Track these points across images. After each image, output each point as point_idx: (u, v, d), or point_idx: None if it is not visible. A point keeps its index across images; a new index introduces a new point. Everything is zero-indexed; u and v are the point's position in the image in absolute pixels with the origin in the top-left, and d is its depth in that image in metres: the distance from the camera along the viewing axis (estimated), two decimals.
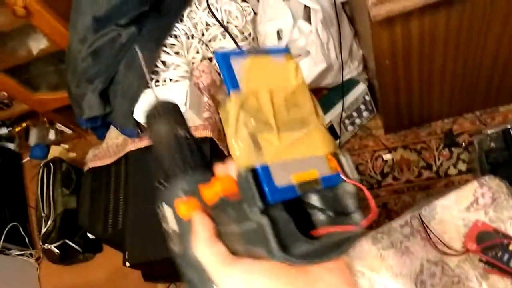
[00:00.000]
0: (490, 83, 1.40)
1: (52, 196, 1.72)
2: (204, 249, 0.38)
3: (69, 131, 2.21)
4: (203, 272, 0.38)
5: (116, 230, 1.33)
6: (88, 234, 1.59)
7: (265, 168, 0.34)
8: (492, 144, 1.30)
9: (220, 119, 1.34)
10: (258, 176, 0.34)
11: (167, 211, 0.43)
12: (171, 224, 0.43)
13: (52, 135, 2.22)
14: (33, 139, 2.23)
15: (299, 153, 0.37)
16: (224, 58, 0.37)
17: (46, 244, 1.69)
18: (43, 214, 1.69)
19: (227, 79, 0.37)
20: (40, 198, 1.74)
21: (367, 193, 0.38)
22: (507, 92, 1.46)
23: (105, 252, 1.91)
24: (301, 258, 0.33)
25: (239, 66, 0.38)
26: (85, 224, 1.44)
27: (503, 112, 1.53)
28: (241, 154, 0.35)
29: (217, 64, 0.39)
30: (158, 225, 1.34)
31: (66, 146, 2.21)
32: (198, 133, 1.25)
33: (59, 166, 1.81)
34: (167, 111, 0.47)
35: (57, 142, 2.22)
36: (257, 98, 0.37)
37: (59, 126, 2.20)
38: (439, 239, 0.95)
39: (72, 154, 2.14)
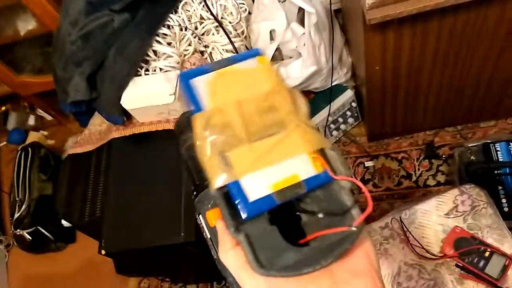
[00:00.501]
0: (473, 99, 1.43)
1: (28, 181, 1.68)
2: (226, 253, 0.37)
3: (49, 118, 2.17)
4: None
5: (93, 217, 1.31)
6: (63, 222, 1.55)
7: (236, 185, 0.33)
8: (472, 157, 1.34)
9: None
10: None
11: (202, 221, 0.43)
12: (206, 232, 0.43)
13: (31, 121, 2.17)
14: (11, 123, 2.18)
15: (277, 158, 0.35)
16: (184, 79, 0.36)
17: (18, 230, 1.64)
18: (17, 199, 1.65)
19: (189, 102, 0.36)
20: (15, 182, 1.69)
21: (361, 186, 0.38)
22: (488, 109, 1.50)
23: (78, 243, 1.87)
24: (286, 270, 0.32)
25: (203, 84, 0.36)
26: (61, 211, 1.41)
27: (483, 128, 1.57)
28: (211, 175, 0.34)
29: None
30: (137, 215, 1.32)
31: (45, 133, 2.16)
32: None
33: (37, 151, 1.77)
34: None
35: (36, 128, 2.17)
36: (223, 114, 0.36)
37: (40, 112, 2.16)
38: (418, 242, 0.96)
39: (51, 141, 2.10)
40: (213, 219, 0.39)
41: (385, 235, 1.00)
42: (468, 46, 1.16)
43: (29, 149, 1.76)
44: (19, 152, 1.78)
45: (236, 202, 0.33)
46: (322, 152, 0.37)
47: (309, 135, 0.37)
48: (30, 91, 1.87)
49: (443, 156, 1.56)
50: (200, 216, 0.43)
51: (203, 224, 0.43)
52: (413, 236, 0.97)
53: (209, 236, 0.42)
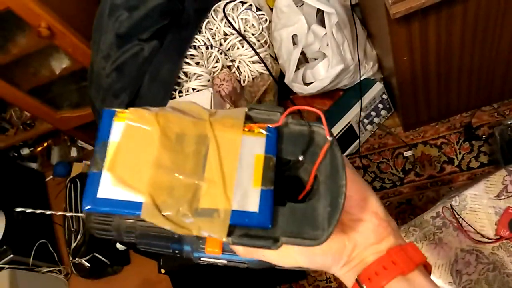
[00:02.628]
0: (506, 75, 1.41)
1: (80, 210, 1.76)
2: (258, 256, 0.39)
3: (90, 148, 2.25)
4: None
5: None
6: (118, 246, 1.61)
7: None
8: None
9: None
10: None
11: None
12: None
13: (74, 152, 2.26)
14: (55, 157, 2.28)
15: (234, 164, 0.34)
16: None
17: (76, 258, 1.72)
18: (72, 229, 1.73)
19: (123, 215, 0.34)
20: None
21: (302, 107, 0.37)
22: None
23: (133, 264, 1.94)
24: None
25: (111, 192, 0.33)
26: None
27: None
28: (210, 227, 0.33)
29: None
30: None
31: (88, 162, 2.25)
32: None
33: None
34: None
35: (79, 159, 2.26)
36: (157, 186, 0.33)
37: (81, 143, 2.25)
38: (472, 227, 0.96)
39: None
40: (216, 248, 0.38)
41: (437, 224, 1.01)
42: (494, 25, 1.15)
43: (77, 180, 1.84)
44: (68, 184, 1.86)
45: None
46: (249, 119, 0.36)
47: (225, 120, 0.35)
48: (70, 125, 1.96)
49: (483, 136, 1.54)
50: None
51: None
52: (466, 222, 0.97)
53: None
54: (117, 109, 0.35)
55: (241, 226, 0.32)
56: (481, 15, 1.11)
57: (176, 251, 0.43)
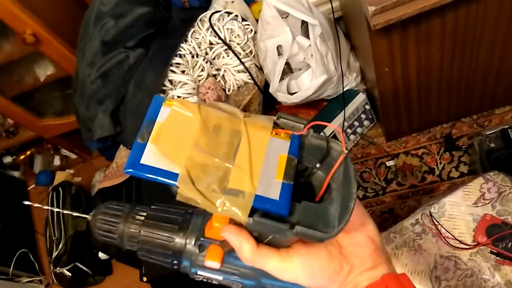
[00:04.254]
0: (485, 88, 1.45)
1: (62, 219, 1.74)
2: (261, 263, 0.39)
3: (73, 156, 2.24)
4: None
5: None
6: (100, 255, 1.60)
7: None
8: (492, 144, 1.35)
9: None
10: None
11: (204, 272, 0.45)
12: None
13: (57, 161, 2.24)
14: (38, 166, 2.26)
15: (260, 157, 0.37)
16: (139, 168, 0.36)
17: (57, 268, 1.69)
18: (54, 238, 1.70)
19: (163, 182, 0.36)
20: (50, 222, 1.75)
21: (321, 123, 0.41)
22: (501, 95, 1.51)
23: (115, 274, 1.91)
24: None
25: (153, 156, 0.36)
26: (98, 244, 1.46)
27: (499, 114, 1.58)
28: (240, 212, 0.35)
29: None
30: None
31: (71, 171, 2.23)
32: None
33: (68, 190, 1.83)
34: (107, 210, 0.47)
35: (62, 168, 2.24)
36: (194, 164, 0.36)
37: (64, 151, 2.23)
38: (450, 234, 0.98)
39: (78, 179, 2.17)
40: (216, 259, 0.42)
41: (417, 231, 1.02)
42: (473, 38, 1.19)
43: (60, 188, 1.83)
44: (51, 193, 1.84)
45: None
46: (276, 125, 0.40)
47: (257, 122, 0.39)
48: (53, 133, 1.94)
49: (463, 146, 1.58)
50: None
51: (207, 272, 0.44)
52: (444, 229, 0.99)
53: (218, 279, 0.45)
54: (166, 98, 0.39)
55: (262, 210, 0.36)
56: (459, 29, 1.15)
57: (175, 264, 0.45)
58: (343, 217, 0.36)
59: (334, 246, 0.40)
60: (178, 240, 0.44)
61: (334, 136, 1.62)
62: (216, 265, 0.42)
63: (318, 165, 0.39)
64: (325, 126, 0.42)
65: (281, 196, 0.36)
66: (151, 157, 0.36)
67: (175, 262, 0.45)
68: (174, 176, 0.35)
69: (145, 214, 0.46)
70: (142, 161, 0.36)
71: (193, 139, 0.37)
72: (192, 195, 0.35)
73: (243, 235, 0.39)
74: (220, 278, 0.45)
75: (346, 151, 0.39)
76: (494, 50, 1.25)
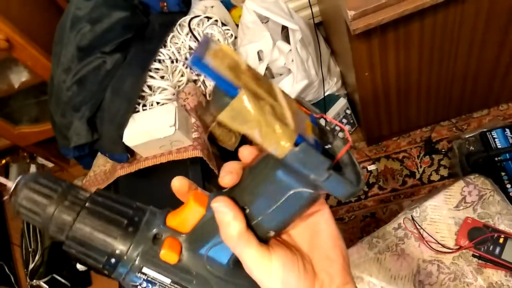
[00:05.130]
0: (463, 92, 1.47)
1: (38, 230, 1.69)
2: (243, 247, 0.35)
3: (50, 165, 2.18)
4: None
5: None
6: (78, 267, 1.55)
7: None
8: (471, 148, 1.36)
9: (207, 139, 1.36)
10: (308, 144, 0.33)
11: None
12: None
13: (33, 170, 2.18)
14: (13, 175, 2.19)
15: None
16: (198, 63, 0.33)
17: (34, 280, 1.64)
18: (30, 249, 1.65)
19: (221, 83, 0.34)
20: (26, 233, 1.70)
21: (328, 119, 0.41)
22: (479, 99, 1.53)
23: (94, 286, 1.86)
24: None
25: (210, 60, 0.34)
26: (75, 256, 1.41)
27: (477, 117, 1.61)
28: (284, 131, 0.33)
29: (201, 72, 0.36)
30: None
31: None
32: (188, 154, 1.26)
33: None
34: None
35: None
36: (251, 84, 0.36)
37: (40, 160, 2.17)
38: (433, 238, 0.98)
39: None
40: (174, 254, 0.38)
41: (399, 235, 1.02)
42: (450, 43, 1.20)
43: None
44: None
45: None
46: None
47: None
48: (29, 141, 1.89)
49: (443, 150, 1.59)
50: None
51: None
52: (427, 233, 0.99)
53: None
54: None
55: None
56: (437, 33, 1.16)
57: (106, 268, 0.38)
58: (360, 179, 0.34)
59: (307, 262, 0.39)
60: (124, 235, 0.37)
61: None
62: (174, 258, 0.37)
63: (327, 147, 0.38)
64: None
65: (315, 145, 0.34)
66: (213, 63, 0.33)
67: (108, 266, 0.37)
68: (235, 88, 0.33)
69: (85, 199, 0.37)
70: (205, 62, 0.32)
71: (242, 72, 0.35)
72: (253, 107, 0.33)
73: (236, 209, 0.35)
74: (167, 281, 0.39)
75: (350, 140, 0.38)
76: (471, 54, 1.27)
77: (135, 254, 0.37)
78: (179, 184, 0.40)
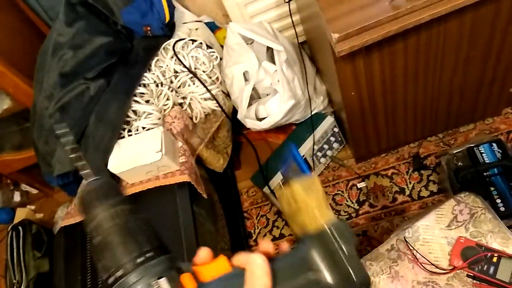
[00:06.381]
0: (449, 107, 1.48)
1: (23, 260, 1.63)
2: None
3: (34, 191, 2.13)
4: None
5: None
6: None
7: None
8: (459, 163, 1.36)
9: (194, 162, 1.34)
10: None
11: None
12: None
13: (17, 197, 2.13)
14: None
15: None
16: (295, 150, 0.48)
17: None
18: (14, 281, 1.59)
19: (303, 165, 0.47)
20: (10, 264, 1.64)
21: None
22: (465, 113, 1.54)
23: None
24: None
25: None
26: (61, 287, 1.37)
27: (464, 132, 1.61)
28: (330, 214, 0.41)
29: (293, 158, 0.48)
30: None
31: (33, 207, 2.12)
32: (176, 179, 1.24)
33: (28, 228, 1.73)
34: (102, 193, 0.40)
35: (22, 204, 2.13)
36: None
37: (25, 186, 2.12)
38: (426, 259, 0.96)
39: (39, 215, 2.06)
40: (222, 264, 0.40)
41: (392, 257, 1.01)
42: (435, 61, 1.21)
43: (20, 227, 1.72)
44: (10, 232, 1.73)
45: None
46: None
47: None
48: (12, 168, 1.85)
49: (431, 165, 1.59)
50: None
51: None
52: (420, 254, 0.98)
53: None
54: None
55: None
56: (421, 53, 1.16)
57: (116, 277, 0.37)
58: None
59: None
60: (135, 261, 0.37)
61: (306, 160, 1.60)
62: (192, 285, 0.37)
63: None
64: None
65: None
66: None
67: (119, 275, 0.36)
68: (309, 171, 0.47)
69: (125, 215, 0.39)
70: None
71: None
72: (321, 187, 0.44)
73: (269, 268, 0.37)
74: None
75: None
76: (456, 71, 1.28)
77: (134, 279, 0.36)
78: (205, 255, 0.41)
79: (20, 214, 1.96)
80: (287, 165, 0.48)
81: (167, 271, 0.37)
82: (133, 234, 0.38)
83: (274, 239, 1.69)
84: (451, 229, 0.99)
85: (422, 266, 0.97)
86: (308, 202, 0.42)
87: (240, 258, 0.39)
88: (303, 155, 1.59)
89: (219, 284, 0.38)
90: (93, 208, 0.39)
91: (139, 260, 0.36)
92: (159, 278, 0.36)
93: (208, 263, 0.39)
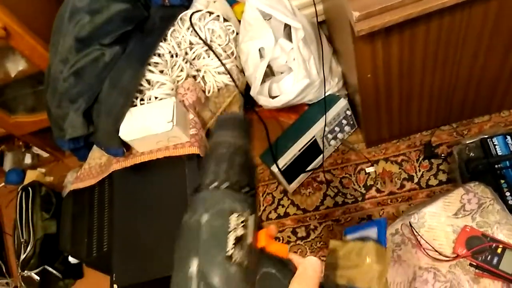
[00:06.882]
0: (465, 97, 1.45)
1: (31, 221, 1.67)
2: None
3: (45, 155, 2.16)
4: None
5: (101, 252, 1.30)
6: (70, 259, 1.54)
7: None
8: (471, 154, 1.35)
9: (204, 135, 1.34)
10: None
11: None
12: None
13: (28, 159, 2.16)
14: (8, 164, 2.17)
15: None
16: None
17: (25, 271, 1.62)
18: (22, 240, 1.63)
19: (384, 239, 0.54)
20: (18, 224, 1.68)
21: None
22: (481, 104, 1.52)
23: (86, 278, 1.85)
24: None
25: None
26: (67, 248, 1.40)
27: (478, 123, 1.59)
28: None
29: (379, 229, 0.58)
30: (146, 245, 1.31)
31: (43, 170, 2.15)
32: (185, 150, 1.24)
33: (38, 190, 1.75)
34: (239, 125, 0.46)
35: (33, 166, 2.16)
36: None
37: (36, 149, 2.15)
38: (430, 245, 0.96)
39: (49, 178, 2.09)
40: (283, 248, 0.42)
41: (396, 241, 1.01)
42: (455, 47, 1.19)
43: (29, 188, 1.75)
44: (20, 193, 1.77)
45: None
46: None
47: None
48: (25, 130, 1.87)
49: (442, 155, 1.58)
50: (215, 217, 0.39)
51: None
52: (424, 240, 0.98)
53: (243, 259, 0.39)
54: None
55: None
56: (442, 38, 1.14)
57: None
58: None
59: None
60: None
61: (314, 142, 1.60)
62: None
63: None
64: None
65: None
66: None
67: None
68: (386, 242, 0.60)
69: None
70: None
71: None
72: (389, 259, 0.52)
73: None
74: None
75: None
76: (476, 59, 1.25)
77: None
78: (274, 231, 0.44)
79: (30, 176, 1.99)
80: (368, 228, 0.50)
81: (255, 214, 0.40)
82: (249, 169, 0.42)
83: (278, 217, 1.70)
84: (457, 218, 0.99)
85: (426, 252, 0.97)
86: (374, 266, 0.46)
87: (296, 257, 0.43)
88: (313, 136, 1.58)
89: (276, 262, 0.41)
90: (230, 130, 0.44)
91: (244, 190, 0.41)
92: (251, 214, 0.40)
93: (273, 240, 0.42)
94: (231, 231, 0.37)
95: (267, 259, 0.40)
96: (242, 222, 0.38)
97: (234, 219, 0.37)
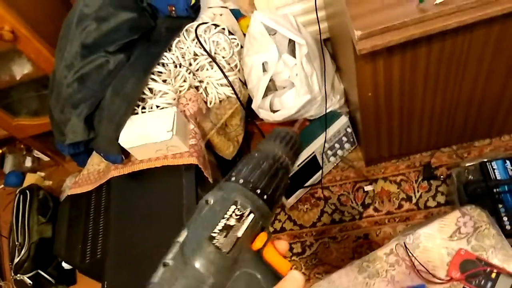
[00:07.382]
0: (466, 120, 1.46)
1: (27, 224, 1.67)
2: None
3: (46, 159, 2.17)
4: None
5: (95, 259, 1.30)
6: (63, 265, 1.53)
7: None
8: (470, 177, 1.34)
9: (204, 146, 1.35)
10: None
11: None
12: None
13: (28, 163, 2.17)
14: (8, 166, 2.18)
15: None
16: None
17: (18, 275, 1.61)
18: (16, 243, 1.63)
19: None
20: (14, 226, 1.68)
21: None
22: (482, 127, 1.52)
23: (79, 284, 1.84)
24: None
25: None
26: (61, 253, 1.40)
27: (478, 146, 1.59)
28: None
29: None
30: (140, 253, 1.31)
31: (43, 174, 2.15)
32: (184, 160, 1.25)
33: (36, 194, 1.76)
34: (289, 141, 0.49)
35: (33, 170, 2.16)
36: None
37: (36, 153, 2.16)
38: (424, 267, 0.96)
39: (48, 182, 2.09)
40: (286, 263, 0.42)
41: (390, 261, 1.00)
42: (457, 69, 1.19)
43: (27, 191, 1.75)
44: (17, 196, 1.77)
45: None
46: None
47: None
48: (27, 133, 1.88)
49: (441, 176, 1.57)
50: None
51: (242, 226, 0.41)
52: (418, 261, 0.97)
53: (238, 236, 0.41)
54: None
55: None
56: (444, 60, 1.15)
57: None
58: None
59: None
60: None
61: (314, 158, 1.60)
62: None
63: None
64: None
65: None
66: None
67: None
68: None
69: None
70: None
71: None
72: None
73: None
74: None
75: None
76: (477, 82, 1.26)
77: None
78: (284, 247, 0.44)
79: (30, 179, 1.99)
80: None
81: (261, 217, 0.41)
82: (274, 178, 0.44)
83: (274, 231, 1.69)
84: (452, 240, 0.98)
85: (419, 273, 0.96)
86: None
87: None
88: (313, 152, 1.58)
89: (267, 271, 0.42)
90: (278, 142, 0.47)
91: (258, 192, 0.42)
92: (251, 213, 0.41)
93: (278, 254, 0.42)
94: (224, 218, 0.39)
95: (258, 263, 0.41)
96: (238, 215, 0.40)
97: (231, 209, 0.40)
